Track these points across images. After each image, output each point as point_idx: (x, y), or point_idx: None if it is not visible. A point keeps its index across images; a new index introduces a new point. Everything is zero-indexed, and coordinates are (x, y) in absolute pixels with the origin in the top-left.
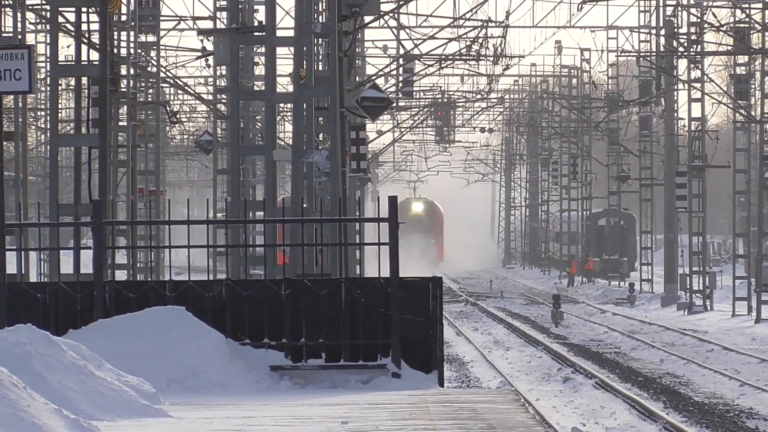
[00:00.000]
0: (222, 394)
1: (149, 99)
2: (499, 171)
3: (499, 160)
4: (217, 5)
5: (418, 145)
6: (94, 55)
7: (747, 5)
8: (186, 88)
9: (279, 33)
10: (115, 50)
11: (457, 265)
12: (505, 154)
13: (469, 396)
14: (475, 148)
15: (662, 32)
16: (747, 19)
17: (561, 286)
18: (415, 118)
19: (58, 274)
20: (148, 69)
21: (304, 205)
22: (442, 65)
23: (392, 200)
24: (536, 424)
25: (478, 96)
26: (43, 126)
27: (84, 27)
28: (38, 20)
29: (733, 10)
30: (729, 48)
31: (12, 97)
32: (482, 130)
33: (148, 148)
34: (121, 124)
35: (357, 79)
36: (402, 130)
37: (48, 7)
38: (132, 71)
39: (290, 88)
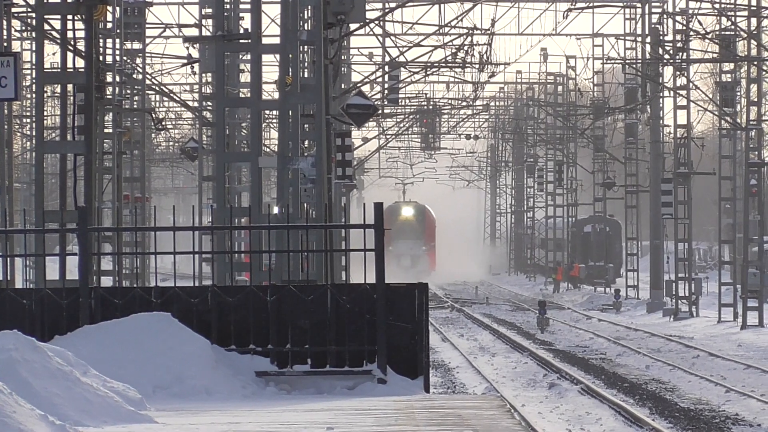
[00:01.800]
0: (207, 400)
1: (135, 106)
2: (484, 178)
3: (485, 167)
4: (203, 13)
5: (404, 152)
6: (80, 63)
7: (732, 13)
8: (171, 95)
9: (265, 40)
10: (101, 58)
11: (450, 274)
12: (490, 161)
13: (455, 402)
14: (461, 155)
15: (648, 40)
16: (732, 27)
17: (547, 293)
18: (401, 125)
19: (44, 280)
20: (134, 76)
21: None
22: (428, 72)
23: (378, 206)
24: (522, 430)
25: (464, 103)
26: (28, 133)
27: (70, 34)
28: (24, 28)
29: (718, 18)
30: (714, 55)
31: None
32: (468, 137)
33: (134, 155)
34: (106, 131)
35: (342, 86)
36: (387, 137)
37: (34, 15)
38: (117, 78)
39: (276, 96)
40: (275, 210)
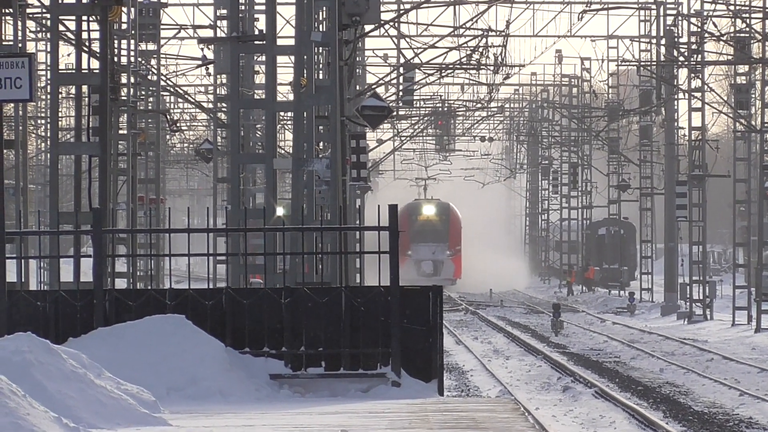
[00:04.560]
0: (221, 402)
1: (149, 107)
2: (499, 180)
3: (500, 168)
4: (218, 14)
5: (419, 154)
6: (95, 64)
7: (747, 15)
8: (186, 96)
9: (280, 42)
10: (116, 59)
11: (477, 283)
12: (506, 163)
13: (469, 405)
14: (475, 157)
15: (663, 42)
16: (747, 29)
17: (561, 295)
18: (416, 126)
19: (58, 282)
20: (149, 77)
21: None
22: (443, 74)
23: (392, 208)
24: None
25: (479, 105)
26: (43, 134)
27: (84, 35)
28: (39, 28)
29: (733, 19)
30: (729, 57)
31: (12, 105)
32: (482, 139)
33: (149, 156)
34: (121, 132)
35: (357, 87)
36: (402, 138)
37: (49, 16)
38: (132, 80)
39: (291, 97)
40: (279, 212)
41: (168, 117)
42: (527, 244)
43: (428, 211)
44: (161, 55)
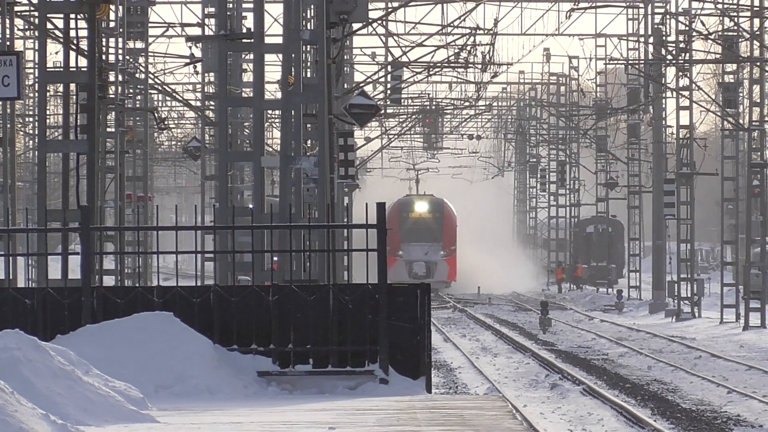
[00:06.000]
0: (209, 399)
1: (137, 105)
2: (486, 177)
3: (488, 166)
4: (206, 12)
5: (406, 152)
6: (83, 62)
7: (735, 14)
8: (174, 94)
9: (267, 40)
10: (104, 57)
11: (470, 285)
12: (494, 161)
13: (457, 402)
14: (463, 155)
15: (651, 40)
16: (735, 28)
17: (549, 293)
18: (404, 125)
19: (46, 279)
20: (137, 75)
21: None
22: (431, 72)
23: (380, 206)
24: (524, 430)
25: (466, 103)
26: (31, 132)
27: (72, 33)
28: (27, 26)
29: (721, 18)
30: (717, 56)
31: (0, 102)
32: (470, 137)
33: (136, 154)
34: (109, 130)
35: (345, 86)
36: (390, 137)
37: (36, 14)
38: (120, 78)
39: (278, 95)
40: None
41: (156, 115)
42: (515, 242)
43: (421, 207)
44: (149, 53)
